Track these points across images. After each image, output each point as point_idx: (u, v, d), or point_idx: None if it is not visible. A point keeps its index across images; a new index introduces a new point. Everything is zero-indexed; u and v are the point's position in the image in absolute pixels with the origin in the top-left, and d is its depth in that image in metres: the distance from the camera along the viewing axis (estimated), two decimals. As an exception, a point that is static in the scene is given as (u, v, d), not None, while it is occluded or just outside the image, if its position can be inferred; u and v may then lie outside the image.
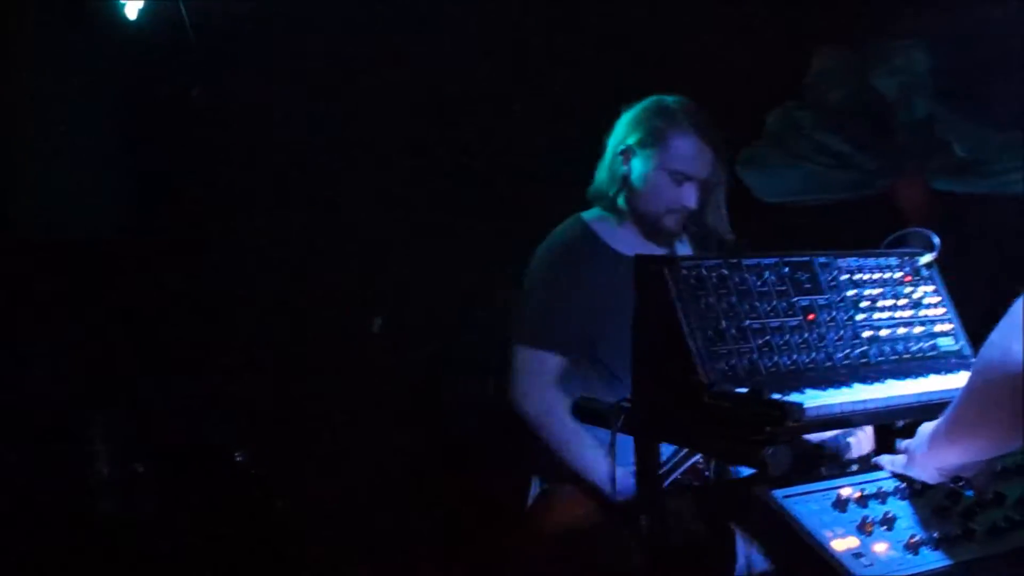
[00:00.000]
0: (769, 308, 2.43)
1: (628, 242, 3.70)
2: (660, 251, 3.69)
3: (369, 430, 5.05)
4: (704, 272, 2.38)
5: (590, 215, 3.77)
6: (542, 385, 3.56)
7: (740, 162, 5.04)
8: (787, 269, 2.51)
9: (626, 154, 3.66)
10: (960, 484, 2.27)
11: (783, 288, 2.48)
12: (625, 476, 2.91)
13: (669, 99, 3.69)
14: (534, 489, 3.67)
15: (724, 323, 2.34)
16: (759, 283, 2.45)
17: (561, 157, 4.60)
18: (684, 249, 3.80)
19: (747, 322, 2.38)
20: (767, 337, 2.39)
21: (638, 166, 3.64)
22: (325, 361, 5.09)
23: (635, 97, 3.79)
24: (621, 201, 3.69)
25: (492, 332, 4.15)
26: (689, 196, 3.61)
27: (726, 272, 2.41)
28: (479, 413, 4.89)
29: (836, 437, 2.77)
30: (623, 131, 3.70)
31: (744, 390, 2.19)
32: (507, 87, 5.17)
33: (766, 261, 2.49)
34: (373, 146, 5.12)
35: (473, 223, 5.10)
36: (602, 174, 3.74)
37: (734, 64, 4.84)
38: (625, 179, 3.66)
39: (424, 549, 4.71)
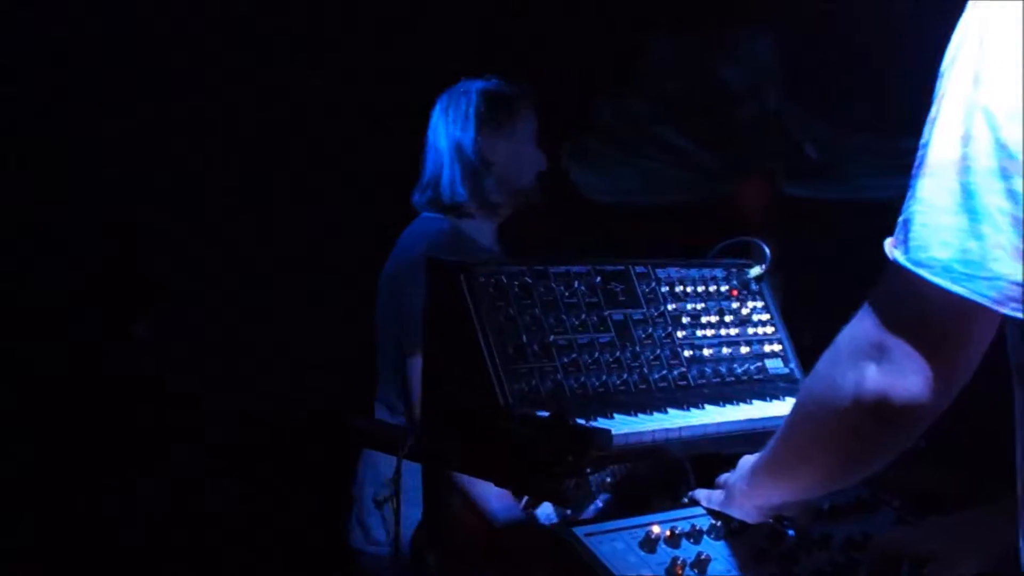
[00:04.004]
0: (578, 322, 2.43)
1: (488, 237, 3.94)
2: (498, 248, 3.93)
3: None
4: (504, 280, 2.37)
5: (439, 216, 3.91)
6: None
7: (567, 157, 5.07)
8: (599, 279, 2.52)
9: (491, 141, 3.87)
10: (783, 523, 2.32)
11: (594, 300, 2.48)
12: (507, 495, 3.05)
13: (480, 81, 3.96)
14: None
15: (526, 338, 2.33)
16: (567, 294, 2.45)
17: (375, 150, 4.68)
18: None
19: (552, 337, 2.37)
20: (574, 355, 2.38)
21: (504, 147, 3.87)
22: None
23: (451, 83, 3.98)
24: (490, 195, 3.88)
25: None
26: (542, 156, 3.95)
27: (530, 281, 2.41)
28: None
29: None
30: (470, 124, 3.88)
31: (545, 414, 2.18)
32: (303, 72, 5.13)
33: (576, 269, 2.49)
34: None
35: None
36: (450, 176, 3.89)
37: (560, 47, 4.87)
38: (493, 167, 3.87)
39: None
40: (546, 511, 2.89)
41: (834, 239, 4.72)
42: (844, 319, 1.86)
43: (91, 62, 4.81)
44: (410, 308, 3.68)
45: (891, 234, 1.72)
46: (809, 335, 2.72)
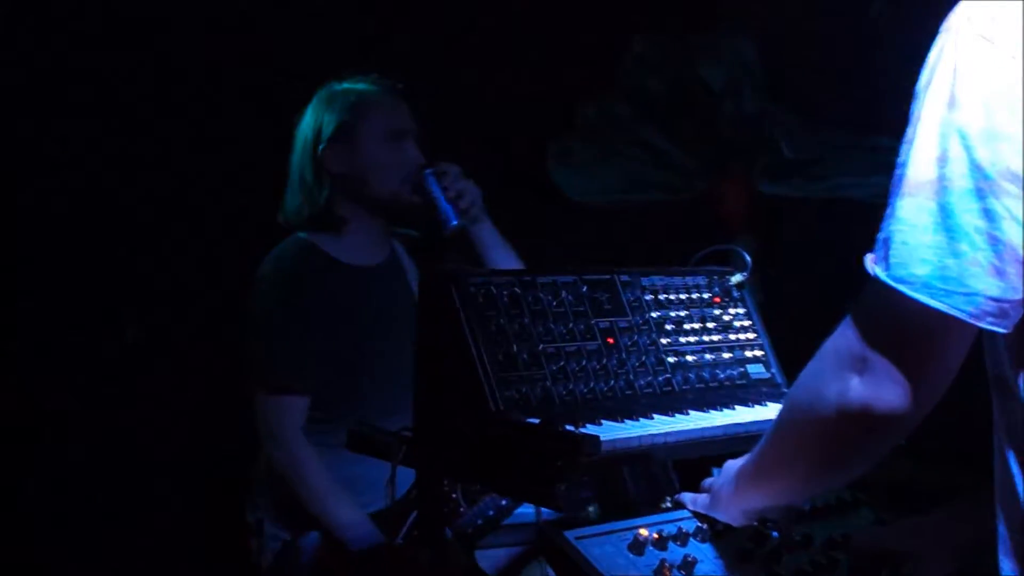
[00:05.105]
0: (565, 331, 2.47)
1: (354, 252, 3.75)
2: (380, 258, 3.82)
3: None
4: (494, 290, 2.41)
5: (305, 233, 3.75)
6: (295, 431, 3.57)
7: (550, 157, 5.11)
8: (586, 288, 2.56)
9: (329, 151, 3.69)
10: (766, 525, 2.36)
11: (581, 309, 2.53)
12: (364, 523, 3.26)
13: (335, 83, 3.79)
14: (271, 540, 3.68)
15: (516, 347, 2.37)
16: (555, 303, 2.49)
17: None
18: (402, 254, 3.90)
19: (541, 346, 2.42)
20: (562, 362, 2.43)
21: (348, 156, 3.69)
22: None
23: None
24: (335, 207, 3.71)
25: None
26: (414, 152, 3.71)
27: (519, 291, 2.45)
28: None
29: None
30: (310, 135, 3.71)
31: (536, 421, 2.23)
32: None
33: (563, 279, 2.53)
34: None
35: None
36: (296, 194, 3.74)
37: (544, 50, 4.90)
38: (337, 178, 3.70)
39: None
40: None
41: (811, 236, 4.79)
42: (821, 314, 1.92)
43: (89, 61, 4.83)
44: (245, 336, 3.68)
45: (869, 235, 1.77)
46: (788, 332, 2.79)
